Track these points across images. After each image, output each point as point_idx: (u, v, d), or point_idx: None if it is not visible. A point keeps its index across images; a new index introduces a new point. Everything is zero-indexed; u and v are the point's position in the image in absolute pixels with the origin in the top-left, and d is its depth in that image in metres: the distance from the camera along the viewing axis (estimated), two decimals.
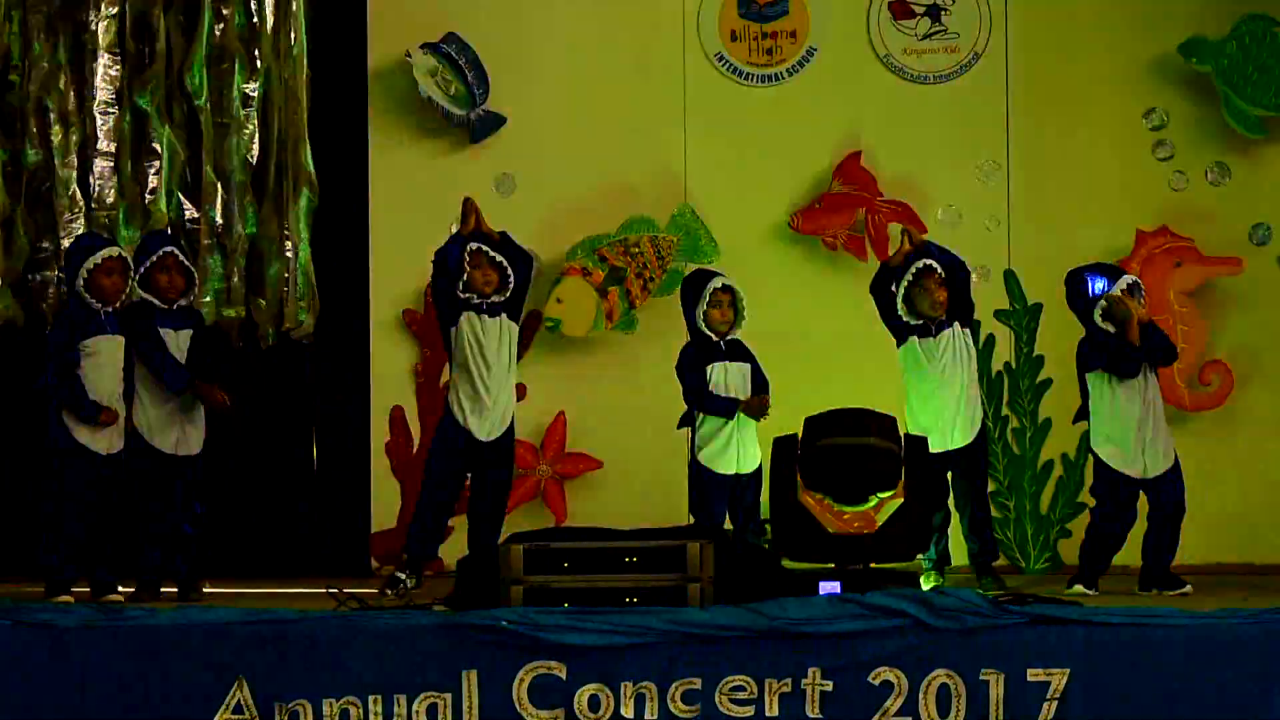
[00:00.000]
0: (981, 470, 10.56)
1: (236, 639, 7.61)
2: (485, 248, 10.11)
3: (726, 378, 10.29)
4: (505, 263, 10.10)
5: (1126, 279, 10.07)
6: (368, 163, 12.17)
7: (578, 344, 12.08)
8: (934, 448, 9.80)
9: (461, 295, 10.07)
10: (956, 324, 10.36)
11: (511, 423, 10.23)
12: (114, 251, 9.98)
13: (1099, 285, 10.10)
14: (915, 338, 10.34)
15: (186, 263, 10.11)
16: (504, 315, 10.15)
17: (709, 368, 10.30)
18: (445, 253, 10.14)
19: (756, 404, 10.27)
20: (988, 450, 10.83)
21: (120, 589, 9.78)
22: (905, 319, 10.35)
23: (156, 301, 9.95)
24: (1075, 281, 10.23)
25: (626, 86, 12.22)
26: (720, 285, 10.39)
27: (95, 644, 7.62)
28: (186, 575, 10.01)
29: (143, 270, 9.95)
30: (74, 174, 11.42)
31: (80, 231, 11.19)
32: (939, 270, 10.31)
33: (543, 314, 11.96)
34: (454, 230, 10.36)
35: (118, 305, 9.88)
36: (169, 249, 10.06)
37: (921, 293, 10.32)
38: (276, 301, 11.41)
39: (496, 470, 10.23)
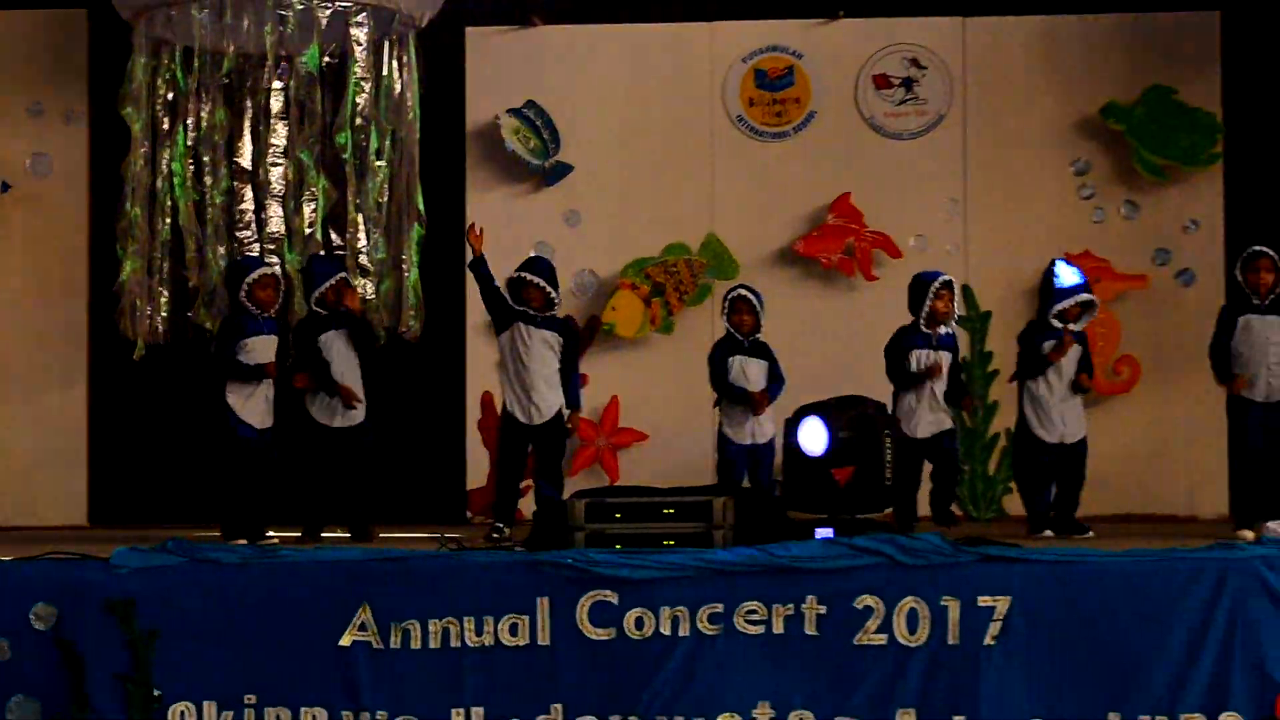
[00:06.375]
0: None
1: (361, 573, 7.62)
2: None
3: (746, 369, 10.22)
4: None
5: (1085, 295, 9.97)
6: (465, 202, 12.18)
7: (628, 343, 12.07)
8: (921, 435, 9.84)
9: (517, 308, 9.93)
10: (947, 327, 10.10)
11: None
12: (268, 270, 10.01)
13: (1065, 275, 10.05)
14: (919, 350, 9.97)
15: (350, 279, 10.30)
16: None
17: (730, 360, 10.22)
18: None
19: (756, 399, 10.12)
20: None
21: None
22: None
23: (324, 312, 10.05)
24: (1049, 270, 10.15)
25: (667, 141, 12.21)
26: (740, 295, 10.29)
27: (251, 577, 7.63)
28: (358, 521, 10.04)
29: (325, 289, 10.01)
30: (250, 210, 11.46)
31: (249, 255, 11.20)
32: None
33: (601, 319, 11.98)
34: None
35: (273, 311, 9.92)
36: (343, 275, 10.16)
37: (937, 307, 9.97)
38: (390, 311, 11.41)
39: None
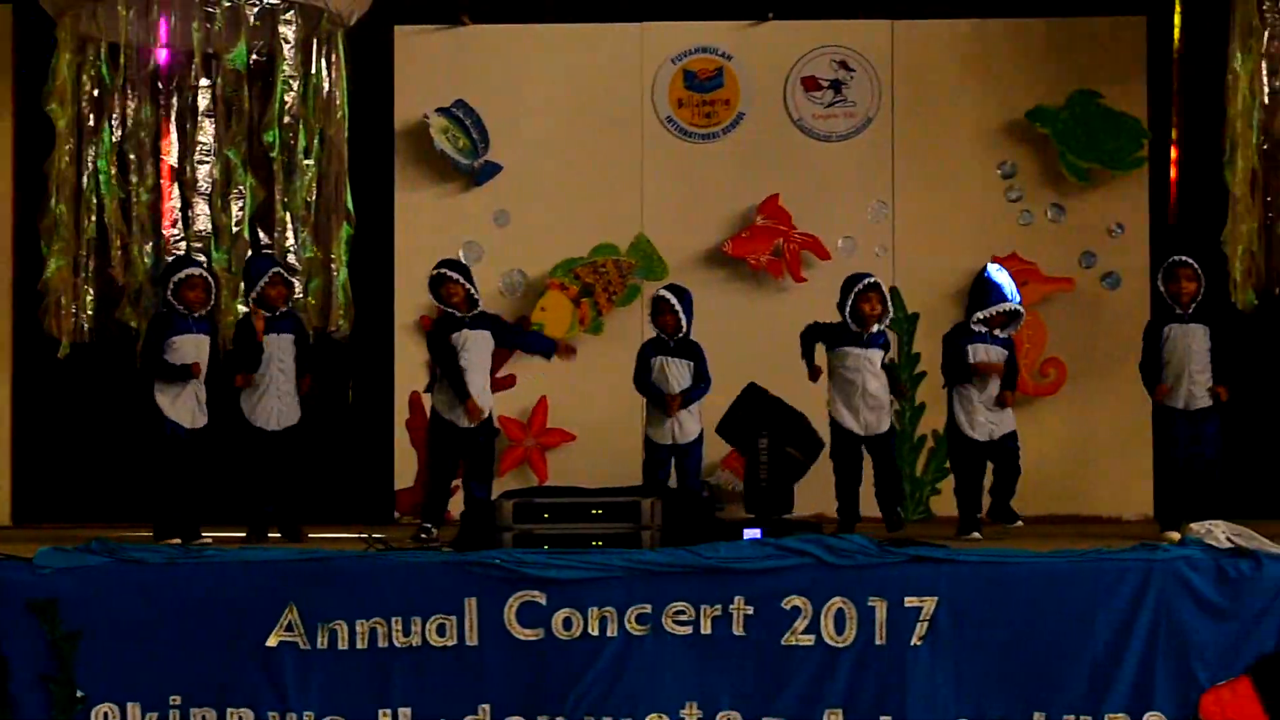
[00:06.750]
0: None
1: (288, 573, 7.58)
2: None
3: (668, 369, 10.17)
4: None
5: (1010, 305, 10.01)
6: (393, 201, 12.14)
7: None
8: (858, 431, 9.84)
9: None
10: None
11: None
12: (196, 271, 9.94)
13: (998, 281, 10.09)
14: (847, 347, 9.92)
15: (289, 276, 10.19)
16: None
17: (652, 360, 10.20)
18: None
19: (668, 400, 10.08)
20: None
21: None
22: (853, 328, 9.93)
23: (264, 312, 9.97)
24: (981, 274, 10.18)
25: (597, 141, 12.20)
26: (660, 295, 10.29)
27: (176, 578, 7.58)
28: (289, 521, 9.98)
29: (261, 285, 9.95)
30: (177, 208, 11.38)
31: (181, 254, 11.12)
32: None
33: (530, 319, 11.96)
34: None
35: (204, 311, 9.85)
36: (277, 269, 10.09)
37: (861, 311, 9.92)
38: (319, 310, 11.36)
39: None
